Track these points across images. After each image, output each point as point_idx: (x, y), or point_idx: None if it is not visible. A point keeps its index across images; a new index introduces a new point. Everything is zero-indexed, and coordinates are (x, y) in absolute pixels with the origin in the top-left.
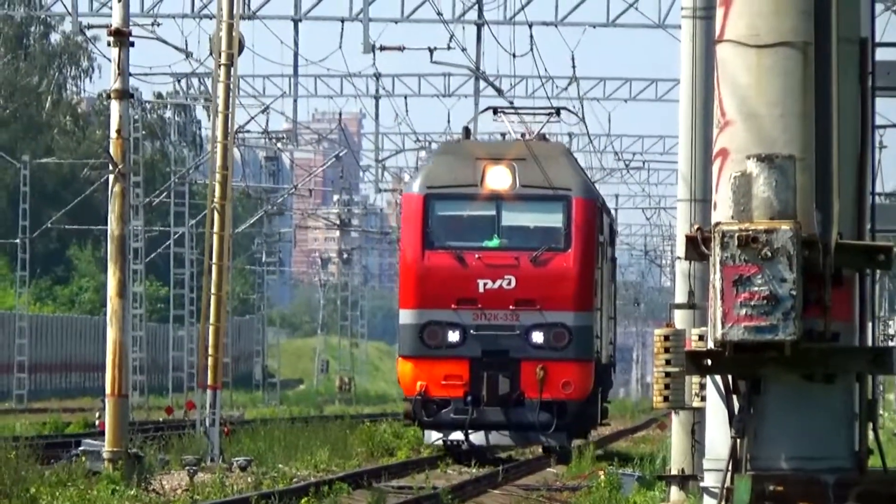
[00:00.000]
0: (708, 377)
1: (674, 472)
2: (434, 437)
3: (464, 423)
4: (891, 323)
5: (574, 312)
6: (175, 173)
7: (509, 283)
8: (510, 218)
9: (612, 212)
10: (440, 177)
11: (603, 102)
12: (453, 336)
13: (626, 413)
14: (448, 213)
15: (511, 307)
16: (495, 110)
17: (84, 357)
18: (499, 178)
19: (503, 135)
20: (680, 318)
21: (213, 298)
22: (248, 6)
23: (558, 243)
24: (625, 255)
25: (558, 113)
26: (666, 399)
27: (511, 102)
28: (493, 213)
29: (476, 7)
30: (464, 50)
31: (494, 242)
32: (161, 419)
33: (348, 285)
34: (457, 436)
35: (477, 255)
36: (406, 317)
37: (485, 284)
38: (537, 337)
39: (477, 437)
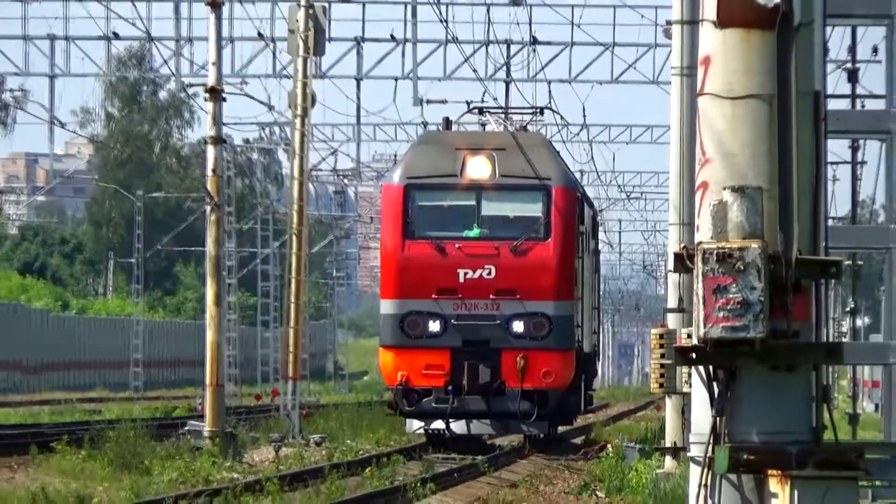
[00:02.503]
0: (693, 368)
1: (668, 444)
2: (416, 426)
3: (445, 412)
4: (843, 323)
5: (554, 302)
6: (261, 205)
7: (489, 273)
8: (490, 208)
9: (596, 205)
10: (420, 167)
11: (608, 145)
12: (434, 326)
13: (629, 397)
14: (428, 203)
15: (491, 297)
16: (481, 110)
17: (188, 354)
18: (479, 168)
19: (483, 125)
20: (672, 320)
21: (293, 306)
22: (319, 68)
23: (538, 233)
24: (627, 269)
25: (542, 112)
26: (661, 385)
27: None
28: (473, 202)
29: (505, 68)
30: (495, 99)
31: (474, 232)
32: (251, 405)
33: None
34: (438, 425)
35: (457, 245)
36: (387, 307)
37: (465, 274)
38: (518, 326)
39: (458, 426)
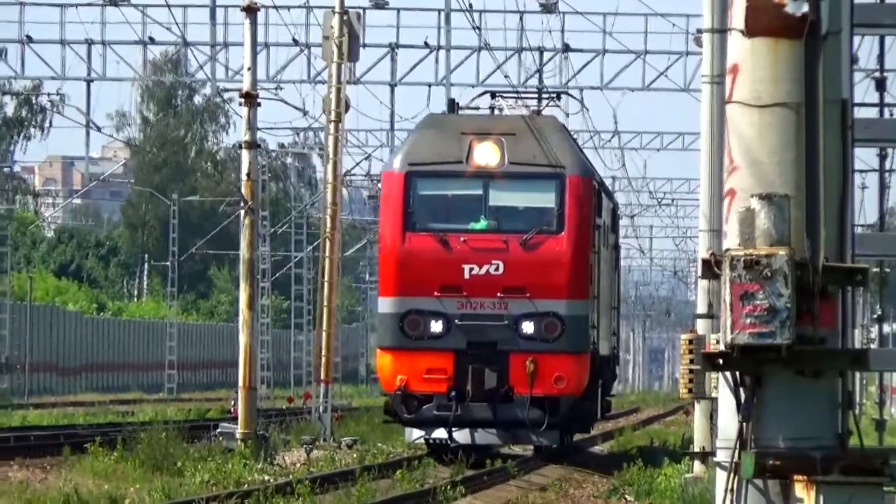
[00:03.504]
0: (720, 373)
1: (696, 449)
2: (415, 434)
3: (447, 420)
4: (872, 329)
5: (567, 301)
6: (295, 209)
7: (497, 269)
8: (498, 198)
9: (628, 211)
10: (423, 153)
11: (640, 151)
12: (436, 326)
13: (659, 402)
14: (431, 193)
15: (499, 295)
16: (493, 94)
17: (221, 357)
18: (486, 155)
19: (492, 108)
20: (702, 326)
21: (325, 310)
22: (353, 73)
23: (550, 225)
24: (658, 274)
25: (559, 97)
26: (690, 391)
27: None
28: (480, 192)
29: (537, 75)
30: (528, 108)
31: (481, 224)
32: (283, 407)
33: None
34: (440, 434)
35: (462, 238)
36: (385, 305)
37: (470, 270)
38: (527, 327)
39: (462, 436)
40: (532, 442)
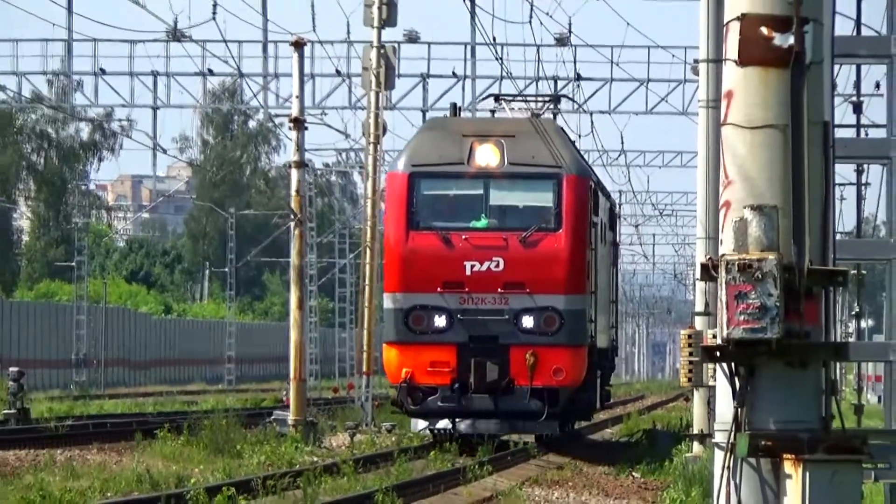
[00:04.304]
0: (717, 364)
1: (695, 431)
2: (421, 425)
3: (451, 410)
4: (850, 325)
5: (565, 295)
6: (338, 221)
7: (497, 266)
8: (498, 197)
9: (633, 220)
10: (426, 154)
11: (643, 168)
12: (439, 321)
13: (662, 390)
14: (434, 192)
15: (499, 290)
16: (496, 98)
17: (274, 352)
18: (487, 156)
19: (492, 111)
20: (699, 322)
21: (366, 310)
22: (389, 100)
23: (549, 223)
24: (659, 277)
25: (558, 100)
26: (690, 380)
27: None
28: (481, 191)
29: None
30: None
31: (482, 223)
32: (330, 396)
33: None
34: (444, 424)
35: (464, 236)
36: (390, 301)
37: (472, 266)
38: (527, 321)
39: (465, 426)
40: (532, 431)
